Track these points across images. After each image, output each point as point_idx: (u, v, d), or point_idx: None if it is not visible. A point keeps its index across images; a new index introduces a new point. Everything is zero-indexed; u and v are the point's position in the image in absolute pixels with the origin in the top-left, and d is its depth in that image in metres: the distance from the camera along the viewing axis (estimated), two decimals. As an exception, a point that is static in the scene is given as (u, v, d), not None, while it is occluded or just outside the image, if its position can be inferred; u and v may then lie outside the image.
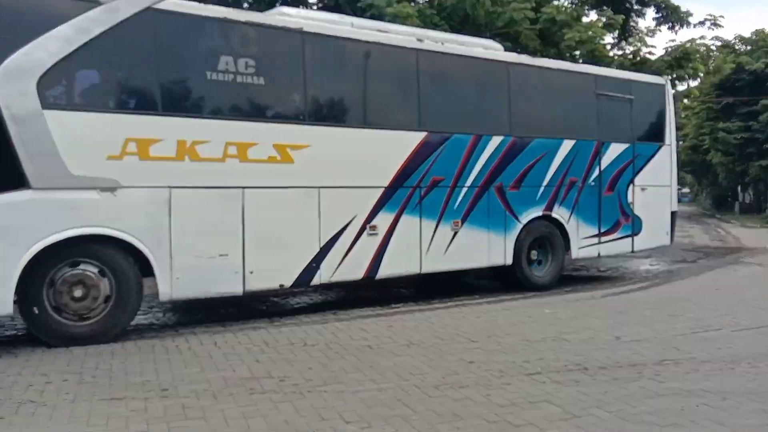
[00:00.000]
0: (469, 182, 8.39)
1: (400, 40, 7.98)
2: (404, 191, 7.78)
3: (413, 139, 7.88)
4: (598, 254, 10.09)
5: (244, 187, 6.64)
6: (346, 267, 7.37)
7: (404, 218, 7.79)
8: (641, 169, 10.44)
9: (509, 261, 8.83)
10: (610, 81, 10.39)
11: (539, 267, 9.45)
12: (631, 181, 10.31)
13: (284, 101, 7.36)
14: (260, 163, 6.77)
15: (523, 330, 6.65)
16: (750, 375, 5.05)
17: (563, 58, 15.11)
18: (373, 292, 9.14)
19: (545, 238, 9.40)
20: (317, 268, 7.17)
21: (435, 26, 11.86)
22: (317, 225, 7.15)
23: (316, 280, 7.24)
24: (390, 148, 7.78)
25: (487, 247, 8.58)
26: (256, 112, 6.94)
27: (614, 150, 10.10)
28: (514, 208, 8.87)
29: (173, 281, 6.27)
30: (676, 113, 12.47)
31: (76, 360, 5.47)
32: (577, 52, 15.72)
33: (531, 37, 13.71)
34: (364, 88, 7.77)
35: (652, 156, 10.62)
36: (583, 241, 9.75)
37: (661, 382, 4.90)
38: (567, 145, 9.45)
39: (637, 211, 10.32)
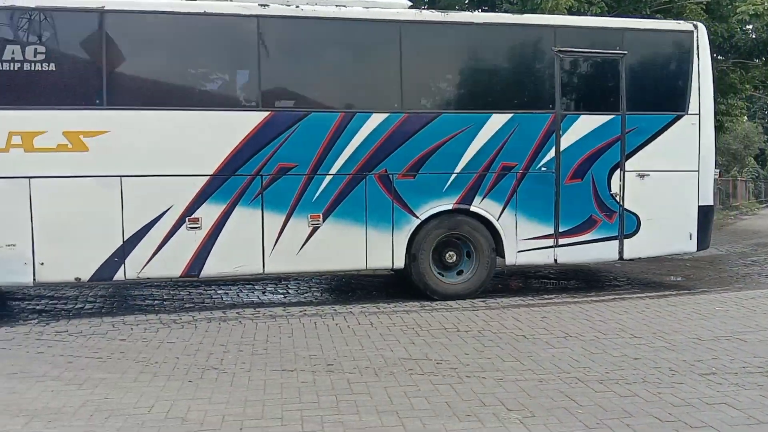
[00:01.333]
0: (334, 169, 6.98)
1: (234, 7, 6.85)
2: (238, 180, 6.76)
3: (250, 119, 6.80)
4: (555, 260, 7.75)
5: (30, 177, 6.26)
6: (159, 263, 6.62)
7: (238, 210, 6.77)
8: (639, 148, 7.80)
9: (399, 264, 7.23)
10: (582, 33, 7.97)
11: (456, 273, 7.62)
12: (618, 165, 7.76)
13: (77, 86, 6.60)
14: (48, 152, 6.33)
15: (691, 327, 6.17)
16: None
17: (733, 36, 13.67)
18: (521, 281, 8.97)
19: (463, 237, 7.53)
20: (120, 262, 6.53)
21: (590, 4, 11.27)
22: (119, 217, 6.49)
23: (119, 276, 6.59)
24: (216, 132, 6.78)
25: (365, 247, 7.09)
26: (42, 100, 6.41)
27: (585, 124, 7.65)
28: (406, 200, 7.18)
29: None
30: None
31: (248, 332, 5.95)
32: (750, 27, 14.22)
33: (697, 12, 12.59)
34: (183, 64, 6.99)
35: (662, 131, 7.85)
36: (526, 243, 7.55)
37: None
38: (497, 121, 7.37)
39: (629, 205, 7.78)
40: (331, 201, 6.98)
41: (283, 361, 5.04)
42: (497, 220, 7.42)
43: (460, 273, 7.58)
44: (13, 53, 6.19)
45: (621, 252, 7.81)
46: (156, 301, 7.44)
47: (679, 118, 7.92)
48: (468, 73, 7.76)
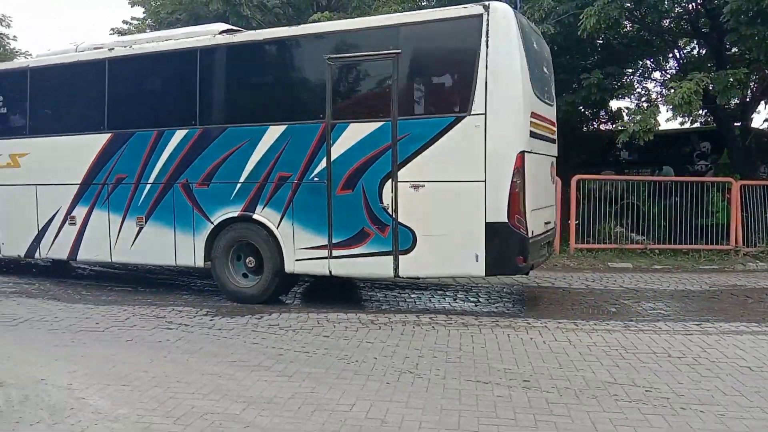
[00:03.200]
0: (151, 179, 8.19)
1: (93, 54, 8.77)
2: (94, 188, 8.58)
3: (99, 140, 8.52)
4: (330, 271, 7.33)
5: None
6: (56, 247, 8.93)
7: (95, 212, 8.59)
8: (413, 156, 6.89)
9: (200, 263, 7.95)
10: (355, 36, 7.47)
11: (252, 276, 7.87)
12: (389, 176, 6.96)
13: (16, 123, 9.47)
14: (2, 168, 9.38)
15: None
16: None
17: None
18: (743, 307, 7.92)
19: (252, 243, 7.73)
20: (37, 246, 9.07)
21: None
22: (35, 214, 9.01)
23: (37, 255, 9.19)
24: (82, 150, 8.62)
25: (174, 246, 8.04)
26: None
27: (354, 132, 7.15)
28: (203, 207, 7.91)
29: None
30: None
31: (441, 339, 5.99)
32: None
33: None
34: (65, 102, 9.16)
35: (438, 136, 6.80)
36: (304, 252, 7.39)
37: None
38: (273, 132, 7.49)
39: (403, 219, 6.92)
40: (150, 206, 8.24)
41: (477, 372, 4.98)
42: (277, 228, 7.54)
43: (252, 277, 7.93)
44: None
45: (396, 269, 7.04)
46: (354, 302, 7.81)
47: (458, 120, 6.78)
48: (250, 88, 8.07)
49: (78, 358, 5.43)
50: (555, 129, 8.35)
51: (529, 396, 4.44)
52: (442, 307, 7.54)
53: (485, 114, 6.66)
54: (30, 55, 25.94)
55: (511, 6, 7.14)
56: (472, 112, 6.70)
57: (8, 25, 26.22)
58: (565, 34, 11.48)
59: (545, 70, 8.06)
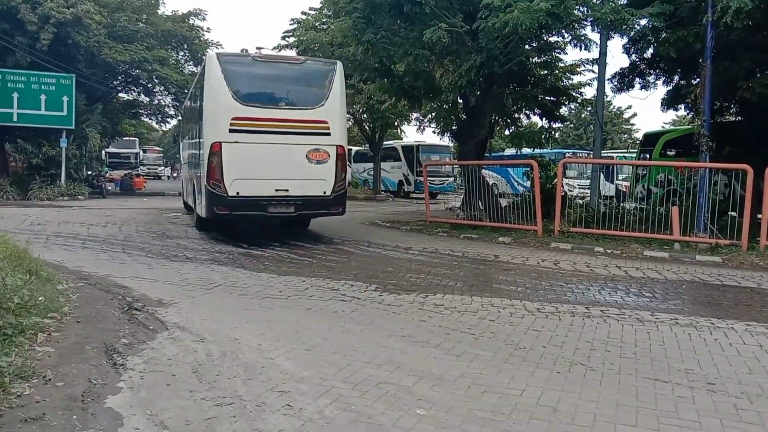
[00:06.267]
0: None
1: None
2: None
3: None
4: None
5: None
6: None
7: None
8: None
9: None
10: None
11: None
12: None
13: None
14: None
15: None
16: None
17: None
18: None
19: None
20: None
21: None
22: None
23: None
24: None
25: None
26: None
27: None
28: None
29: None
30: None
31: (614, 333, 5.76)
32: None
33: None
34: None
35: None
36: None
37: None
38: None
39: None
40: None
41: (655, 370, 4.74)
42: None
43: None
44: None
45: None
46: (519, 288, 7.74)
47: (199, 122, 12.03)
48: None
49: (266, 321, 5.99)
50: (292, 123, 11.09)
51: (714, 399, 4.15)
52: (614, 300, 7.21)
53: (203, 119, 11.15)
54: (221, 46, 28.62)
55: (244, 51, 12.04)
56: (202, 119, 11.20)
57: (203, 18, 29.09)
58: (765, 9, 10.28)
59: (272, 84, 11.45)
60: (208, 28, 30.64)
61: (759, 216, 10.88)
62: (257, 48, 22.54)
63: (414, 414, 3.85)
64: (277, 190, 10.96)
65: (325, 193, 11.30)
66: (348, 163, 37.27)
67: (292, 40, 26.19)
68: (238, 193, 10.69)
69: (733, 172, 11.42)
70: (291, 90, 11.49)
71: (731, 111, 16.49)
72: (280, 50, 27.10)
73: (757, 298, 7.53)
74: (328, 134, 11.26)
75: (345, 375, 4.52)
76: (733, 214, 11.07)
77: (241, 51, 20.24)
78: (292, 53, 24.61)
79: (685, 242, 10.97)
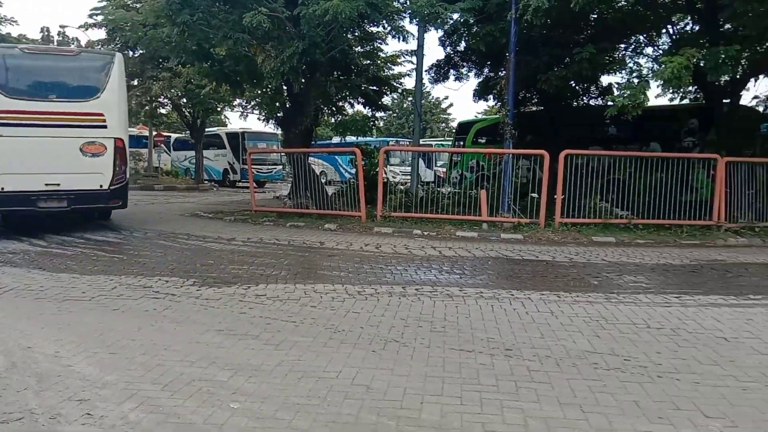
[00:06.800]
0: None
1: None
2: None
3: None
4: None
5: None
6: None
7: None
8: None
9: None
10: None
11: None
12: None
13: None
14: None
15: None
16: None
17: None
18: (723, 281, 8.08)
19: None
20: None
21: None
22: None
23: None
24: None
25: None
26: None
27: None
28: None
29: None
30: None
31: (426, 309, 6.07)
32: None
33: None
34: None
35: None
36: None
37: None
38: None
39: None
40: None
41: (461, 341, 5.08)
42: None
43: None
44: None
45: None
46: (342, 273, 7.87)
47: None
48: None
49: (65, 326, 5.45)
50: (63, 116, 10.84)
51: (511, 364, 4.55)
52: (428, 279, 7.61)
53: None
54: (16, 22, 25.40)
55: None
56: None
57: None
58: (560, 8, 11.45)
59: (42, 77, 11.06)
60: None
61: (555, 196, 12.13)
62: (60, 27, 20.33)
63: (227, 408, 3.74)
64: (47, 184, 10.64)
65: (101, 186, 11.11)
66: (167, 150, 35.49)
67: (100, 18, 24.04)
68: (3, 188, 10.35)
69: (533, 157, 12.59)
70: (63, 82, 11.29)
71: (533, 102, 18.22)
72: (87, 29, 24.83)
73: (552, 270, 8.40)
74: (104, 127, 11.13)
75: (154, 376, 4.26)
76: (535, 195, 12.24)
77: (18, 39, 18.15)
78: (101, 33, 22.60)
79: (492, 222, 11.93)
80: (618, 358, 4.71)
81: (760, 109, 16.38)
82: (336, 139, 29.63)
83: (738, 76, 13.39)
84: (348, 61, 16.25)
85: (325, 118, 18.99)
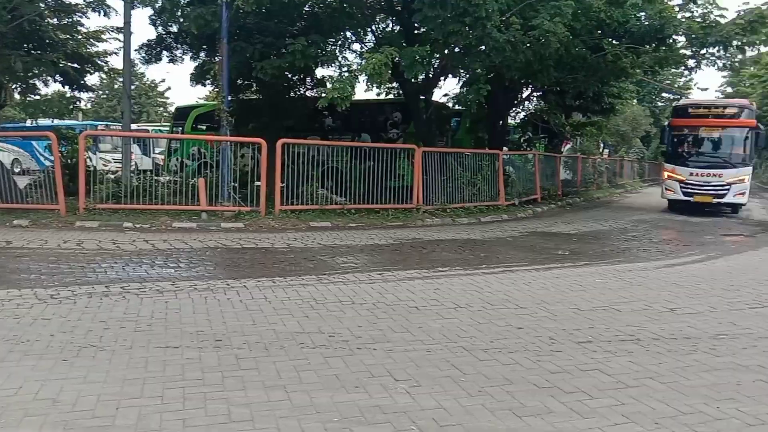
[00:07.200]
0: None
1: None
2: None
3: None
4: None
5: None
6: None
7: None
8: None
9: None
10: None
11: None
12: None
13: None
14: None
15: (572, 298, 6.53)
16: (814, 354, 4.85)
17: (627, 22, 14.53)
18: (419, 257, 9.12)
19: None
20: None
21: None
22: None
23: None
24: None
25: None
26: None
27: None
28: None
29: None
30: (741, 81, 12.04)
31: (131, 308, 5.66)
32: (643, 14, 15.04)
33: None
34: None
35: None
36: None
37: (717, 356, 4.77)
38: None
39: None
40: None
41: (168, 337, 4.84)
42: None
43: None
44: None
45: None
46: (33, 275, 6.90)
47: None
48: None
49: None
50: None
51: (219, 355, 4.47)
52: (137, 275, 7.09)
53: None
54: None
55: None
56: None
57: None
58: (272, -2, 11.61)
59: None
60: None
61: (276, 184, 12.33)
62: None
63: None
64: None
65: None
66: None
67: None
68: None
69: (257, 145, 12.58)
70: None
71: (252, 89, 18.21)
72: None
73: (270, 256, 8.52)
74: None
75: None
76: (259, 183, 12.26)
77: None
78: None
79: (212, 211, 11.65)
80: (323, 335, 4.96)
81: (450, 105, 18.83)
82: (45, 122, 25.87)
83: (431, 75, 15.17)
84: (41, 33, 14.27)
85: (15, 97, 16.44)
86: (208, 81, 16.69)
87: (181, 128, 19.04)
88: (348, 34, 16.10)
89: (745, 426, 3.55)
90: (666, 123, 20.34)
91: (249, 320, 5.36)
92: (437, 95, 19.01)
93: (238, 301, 6.01)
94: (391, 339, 4.96)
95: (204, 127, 18.57)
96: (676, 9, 15.79)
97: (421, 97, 15.79)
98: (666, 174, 18.59)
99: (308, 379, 4.04)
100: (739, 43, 15.11)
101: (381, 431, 3.35)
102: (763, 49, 17.06)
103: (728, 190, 16.91)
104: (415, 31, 14.75)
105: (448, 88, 37.39)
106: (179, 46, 16.80)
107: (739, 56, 17.72)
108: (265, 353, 4.52)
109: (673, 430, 3.47)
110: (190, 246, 9.06)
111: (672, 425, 3.52)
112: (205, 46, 16.38)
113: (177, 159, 16.96)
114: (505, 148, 19.69)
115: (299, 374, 4.11)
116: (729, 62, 17.80)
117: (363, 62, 12.27)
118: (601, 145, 39.94)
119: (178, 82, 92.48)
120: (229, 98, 12.92)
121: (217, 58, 13.89)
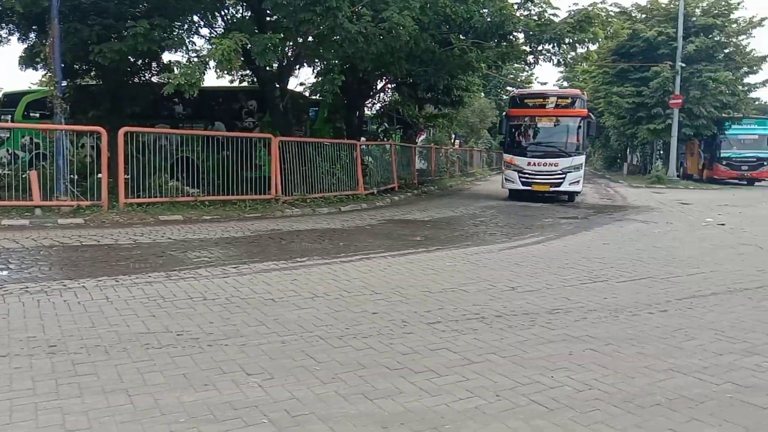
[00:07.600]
0: None
1: None
2: None
3: None
4: None
5: None
6: None
7: None
8: None
9: None
10: None
11: None
12: None
13: None
14: None
15: (425, 282, 6.80)
16: (630, 322, 5.44)
17: (471, 18, 15.30)
18: (278, 248, 9.00)
19: None
20: None
21: None
22: None
23: None
24: None
25: None
26: None
27: None
28: None
29: None
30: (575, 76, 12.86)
31: (-52, 317, 5.03)
32: (486, 10, 15.90)
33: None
34: None
35: None
36: None
37: (552, 329, 5.18)
38: None
39: None
40: None
41: (-10, 347, 4.36)
42: None
43: None
44: None
45: None
46: None
47: None
48: None
49: None
50: None
51: (53, 361, 4.10)
52: (-44, 279, 6.33)
53: None
54: None
55: None
56: None
57: None
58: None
59: None
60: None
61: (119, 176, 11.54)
62: None
63: None
64: None
65: None
66: None
67: None
68: None
69: (97, 134, 11.66)
70: None
71: (92, 74, 16.89)
72: None
73: (113, 254, 7.98)
74: None
75: None
76: (101, 175, 11.39)
77: None
78: None
79: (48, 207, 10.67)
80: (171, 334, 4.73)
81: (307, 94, 18.74)
82: None
83: (284, 64, 14.98)
84: None
85: None
86: (39, 65, 15.22)
87: (10, 116, 17.21)
88: (195, 18, 15.43)
89: (575, 392, 3.89)
90: (504, 113, 21.24)
91: (88, 323, 4.98)
92: (293, 84, 18.81)
93: (76, 302, 5.56)
94: (245, 333, 4.84)
95: (37, 115, 16.94)
96: (515, 7, 16.88)
97: (277, 86, 15.55)
98: (505, 164, 19.23)
99: (153, 380, 3.83)
100: (571, 41, 16.49)
101: (231, 427, 3.26)
102: (591, 47, 18.66)
103: (564, 178, 18.02)
104: (267, 18, 14.48)
105: (304, 77, 37.23)
106: (4, 25, 15.15)
107: (572, 53, 19.33)
108: (106, 357, 4.22)
109: (512, 400, 3.72)
110: (21, 245, 8.23)
111: (511, 396, 3.77)
112: (35, 27, 14.90)
113: (7, 150, 15.31)
114: (363, 138, 20.00)
115: (143, 376, 3.89)
116: (563, 58, 19.34)
117: (212, 48, 11.83)
118: (453, 135, 41.91)
119: (5, 66, 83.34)
120: (64, 84, 11.86)
121: (48, 41, 12.69)
